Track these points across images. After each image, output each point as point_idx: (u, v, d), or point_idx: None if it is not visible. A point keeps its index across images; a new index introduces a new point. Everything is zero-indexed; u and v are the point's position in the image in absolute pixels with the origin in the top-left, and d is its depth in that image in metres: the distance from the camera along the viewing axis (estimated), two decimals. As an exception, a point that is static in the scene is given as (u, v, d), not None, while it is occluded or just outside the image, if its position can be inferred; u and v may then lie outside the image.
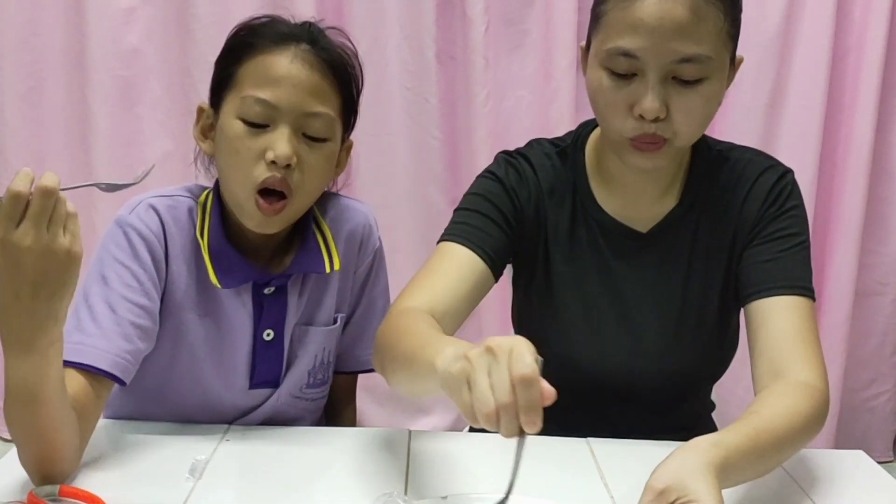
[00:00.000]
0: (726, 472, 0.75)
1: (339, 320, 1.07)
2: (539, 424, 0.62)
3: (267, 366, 1.02)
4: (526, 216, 1.04)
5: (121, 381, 0.89)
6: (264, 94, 0.92)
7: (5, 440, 2.10)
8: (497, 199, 1.03)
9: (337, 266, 1.03)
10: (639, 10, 0.87)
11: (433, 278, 0.98)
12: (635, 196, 1.03)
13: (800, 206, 1.03)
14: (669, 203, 1.03)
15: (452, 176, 2.05)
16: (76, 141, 1.98)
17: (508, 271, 1.12)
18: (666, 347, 1.05)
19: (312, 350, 1.05)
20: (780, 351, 0.93)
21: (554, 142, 1.08)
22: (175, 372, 0.99)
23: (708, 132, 1.07)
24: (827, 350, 2.07)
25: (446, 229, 1.04)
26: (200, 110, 1.01)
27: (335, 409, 1.16)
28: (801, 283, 0.97)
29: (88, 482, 0.84)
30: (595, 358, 1.05)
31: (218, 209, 1.00)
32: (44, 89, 1.96)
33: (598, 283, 1.05)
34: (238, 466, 0.91)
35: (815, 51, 1.97)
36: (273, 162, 0.91)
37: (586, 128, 1.07)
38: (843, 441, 2.13)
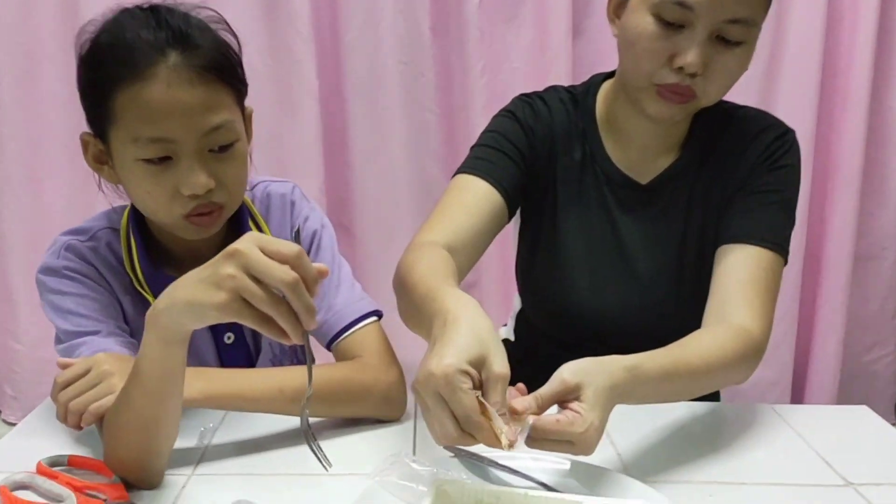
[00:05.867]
0: (631, 395, 0.76)
1: None
2: None
3: (236, 365, 0.99)
4: (540, 154, 1.05)
5: None
6: (156, 132, 0.83)
7: (7, 423, 2.13)
8: (513, 136, 1.04)
9: None
10: None
11: (451, 212, 0.98)
12: (640, 149, 1.04)
13: (793, 165, 1.02)
14: (671, 157, 1.04)
15: (449, 149, 2.02)
16: (70, 124, 1.93)
17: (509, 231, 1.11)
18: (665, 298, 1.06)
19: (267, 339, 1.02)
20: (729, 295, 0.94)
21: (568, 89, 1.09)
22: None
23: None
24: (828, 314, 2.10)
25: (463, 163, 1.03)
26: (85, 142, 0.92)
27: None
28: (768, 237, 0.97)
29: (99, 451, 0.84)
30: (595, 306, 1.06)
31: (139, 235, 0.96)
32: (39, 74, 1.94)
33: (601, 232, 1.05)
34: (245, 433, 0.92)
35: (810, 15, 1.94)
36: (193, 194, 0.87)
37: (597, 77, 1.07)
38: (844, 403, 2.14)
